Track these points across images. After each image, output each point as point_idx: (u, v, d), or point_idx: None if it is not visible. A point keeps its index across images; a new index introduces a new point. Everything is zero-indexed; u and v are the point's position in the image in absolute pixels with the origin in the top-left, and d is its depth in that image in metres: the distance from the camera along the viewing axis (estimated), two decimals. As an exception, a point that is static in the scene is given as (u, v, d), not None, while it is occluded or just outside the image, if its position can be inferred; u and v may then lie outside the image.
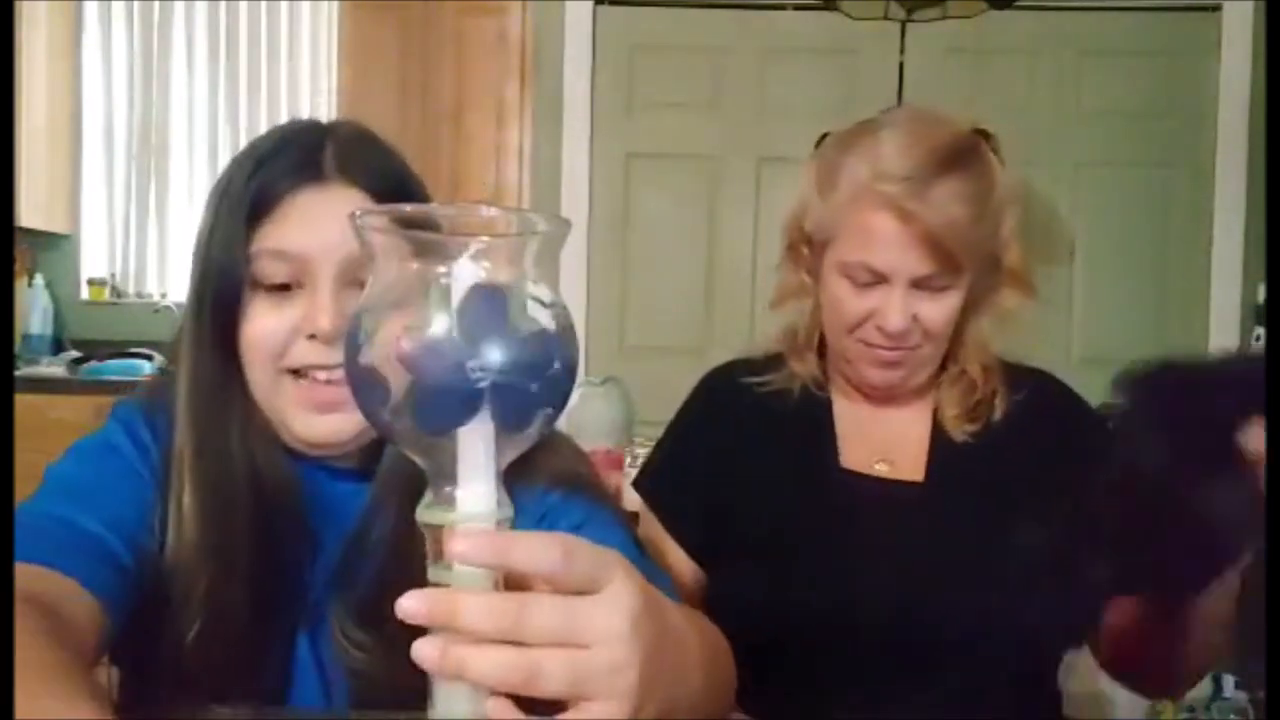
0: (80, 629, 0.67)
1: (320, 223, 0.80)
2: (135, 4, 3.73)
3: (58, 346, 3.58)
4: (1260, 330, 3.00)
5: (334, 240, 0.78)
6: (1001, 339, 1.10)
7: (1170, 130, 3.14)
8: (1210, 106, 3.11)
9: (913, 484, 1.07)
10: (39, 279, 3.59)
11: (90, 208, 3.75)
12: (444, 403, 0.47)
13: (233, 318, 0.81)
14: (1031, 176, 3.02)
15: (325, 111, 3.50)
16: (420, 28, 3.17)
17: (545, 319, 0.48)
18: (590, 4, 3.21)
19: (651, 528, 1.16)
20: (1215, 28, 3.10)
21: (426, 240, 0.48)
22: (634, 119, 3.25)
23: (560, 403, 0.50)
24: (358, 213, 0.49)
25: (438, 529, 0.49)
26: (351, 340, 0.49)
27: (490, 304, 0.47)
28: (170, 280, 3.72)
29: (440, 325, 0.47)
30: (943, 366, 1.09)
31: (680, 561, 1.14)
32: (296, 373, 0.81)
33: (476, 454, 0.48)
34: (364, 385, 0.49)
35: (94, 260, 3.75)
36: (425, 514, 0.49)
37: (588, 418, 2.62)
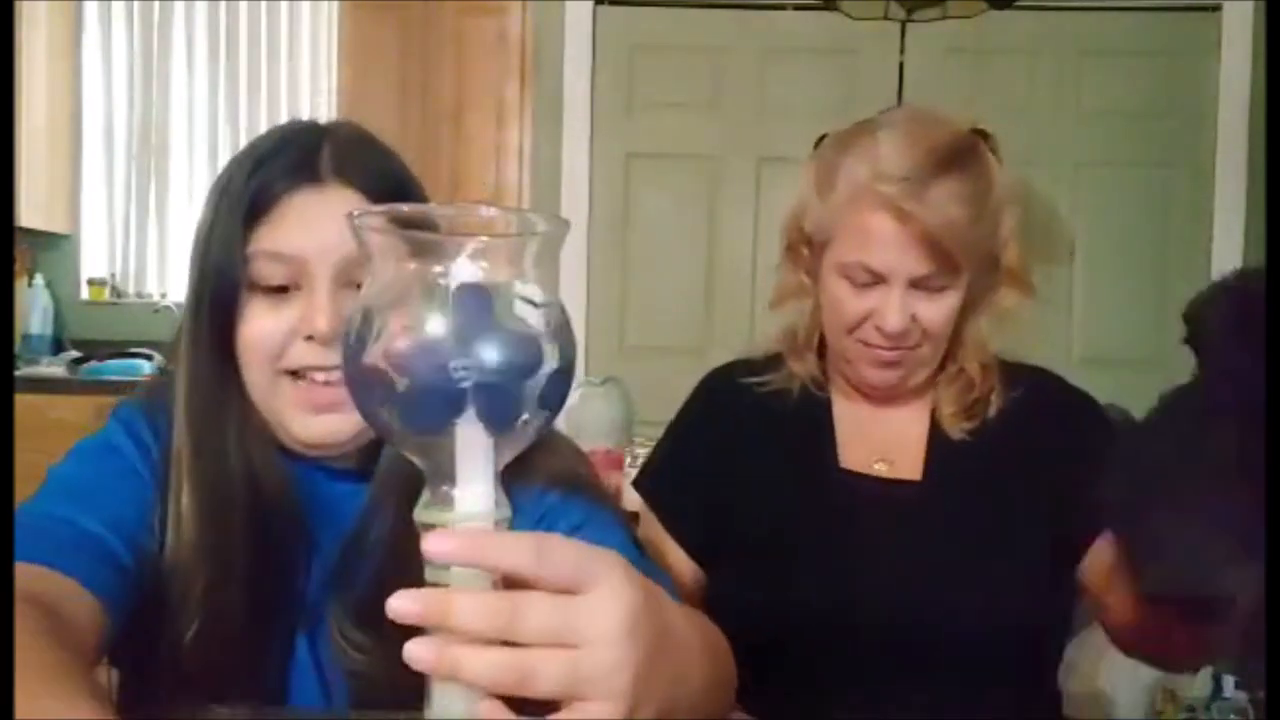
0: (81, 629, 0.67)
1: (317, 224, 0.80)
2: (135, 4, 3.73)
3: (58, 346, 3.58)
4: (1260, 330, 3.00)
5: (331, 241, 0.78)
6: (1000, 338, 1.10)
7: (1170, 130, 3.14)
8: (1210, 106, 3.11)
9: (911, 483, 1.07)
10: (39, 279, 3.60)
11: (90, 208, 3.75)
12: (428, 402, 0.47)
13: (230, 319, 0.81)
14: (1031, 176, 3.02)
15: (325, 111, 3.50)
16: (420, 28, 3.17)
17: (534, 319, 0.48)
18: (590, 4, 3.21)
19: (651, 528, 1.16)
20: (1215, 28, 3.10)
21: (424, 240, 0.48)
22: (634, 119, 3.25)
23: (556, 403, 0.50)
24: (355, 213, 0.49)
25: (434, 529, 0.49)
26: (349, 340, 0.49)
27: (475, 304, 0.47)
28: (170, 280, 3.72)
29: (425, 325, 0.47)
30: (941, 366, 1.09)
31: (680, 561, 1.14)
32: (294, 374, 0.81)
33: (474, 454, 0.48)
34: (361, 385, 0.49)
35: (94, 260, 3.75)
36: (422, 514, 0.49)
37: (588, 418, 2.63)
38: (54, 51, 3.55)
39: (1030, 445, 1.06)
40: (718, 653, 0.69)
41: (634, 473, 1.26)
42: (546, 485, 0.85)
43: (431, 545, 0.46)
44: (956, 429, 1.07)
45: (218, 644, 0.79)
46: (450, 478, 0.49)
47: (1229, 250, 3.10)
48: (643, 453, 1.27)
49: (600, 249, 3.25)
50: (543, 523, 0.84)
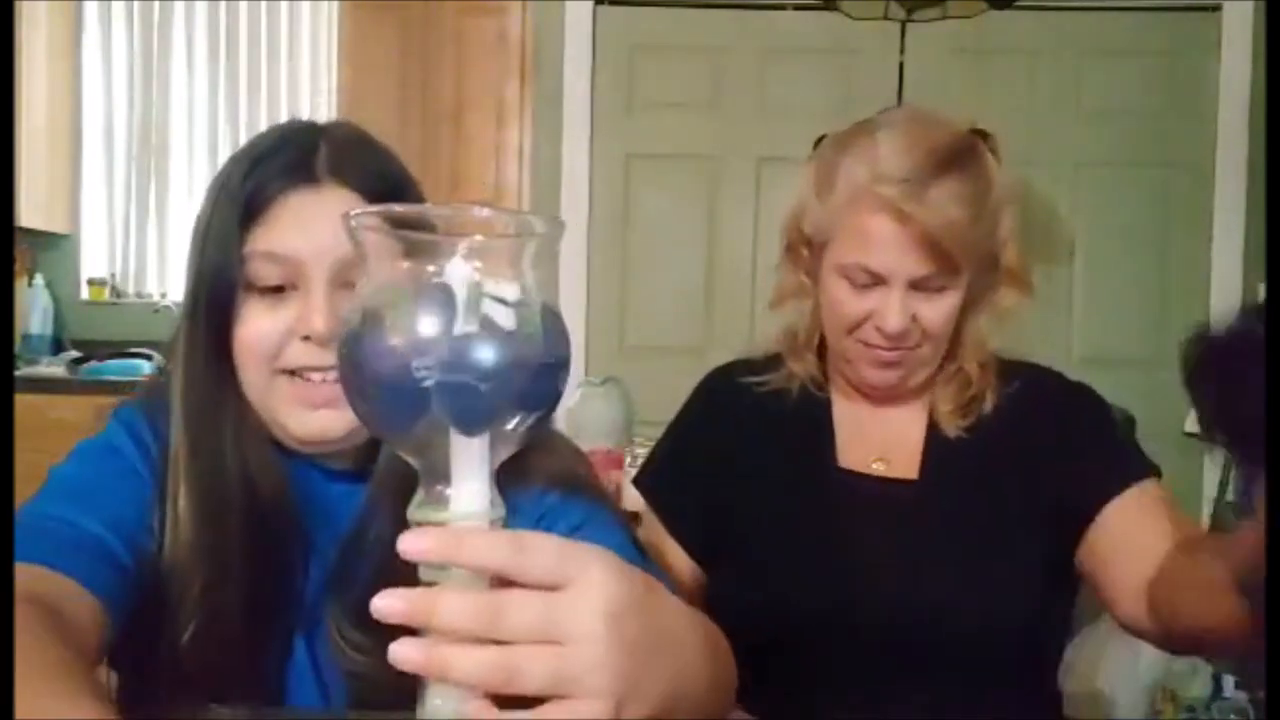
0: (81, 629, 0.67)
1: (313, 224, 0.80)
2: (135, 4, 3.73)
3: (58, 346, 3.58)
4: (1260, 330, 3.00)
5: (327, 242, 0.78)
6: (1000, 337, 1.10)
7: (1170, 130, 3.14)
8: (1210, 106, 3.11)
9: (908, 482, 1.07)
10: (39, 279, 3.60)
11: (90, 208, 3.75)
12: (393, 401, 0.48)
13: (227, 319, 0.81)
14: (1031, 176, 3.02)
15: (325, 111, 3.50)
16: (420, 28, 3.17)
17: (503, 318, 0.47)
18: (590, 4, 3.21)
19: (652, 528, 1.16)
20: (1215, 28, 3.10)
21: (418, 240, 0.49)
22: (634, 119, 3.25)
23: (543, 402, 0.50)
24: (351, 213, 0.49)
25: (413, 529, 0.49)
26: (342, 340, 0.49)
27: (436, 303, 0.47)
28: (170, 280, 3.72)
29: (389, 324, 0.47)
30: (940, 365, 1.09)
31: (680, 561, 1.14)
32: (291, 372, 0.81)
33: (469, 453, 0.48)
34: (350, 385, 0.49)
35: (94, 260, 3.75)
36: (416, 513, 0.49)
37: (588, 418, 2.63)
38: (54, 51, 3.55)
39: (1027, 438, 1.06)
40: (719, 652, 0.69)
41: (634, 473, 1.26)
42: (546, 486, 0.85)
43: (407, 544, 0.46)
44: (953, 427, 1.07)
45: (216, 644, 0.79)
46: (444, 477, 0.49)
47: (1229, 250, 3.10)
48: (643, 453, 1.27)
49: (600, 249, 3.25)
50: (542, 523, 0.84)
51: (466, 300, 0.47)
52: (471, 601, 0.46)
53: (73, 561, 0.71)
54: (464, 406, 0.47)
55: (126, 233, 3.77)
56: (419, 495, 0.50)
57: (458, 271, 0.47)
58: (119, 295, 3.73)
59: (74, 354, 3.42)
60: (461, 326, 0.47)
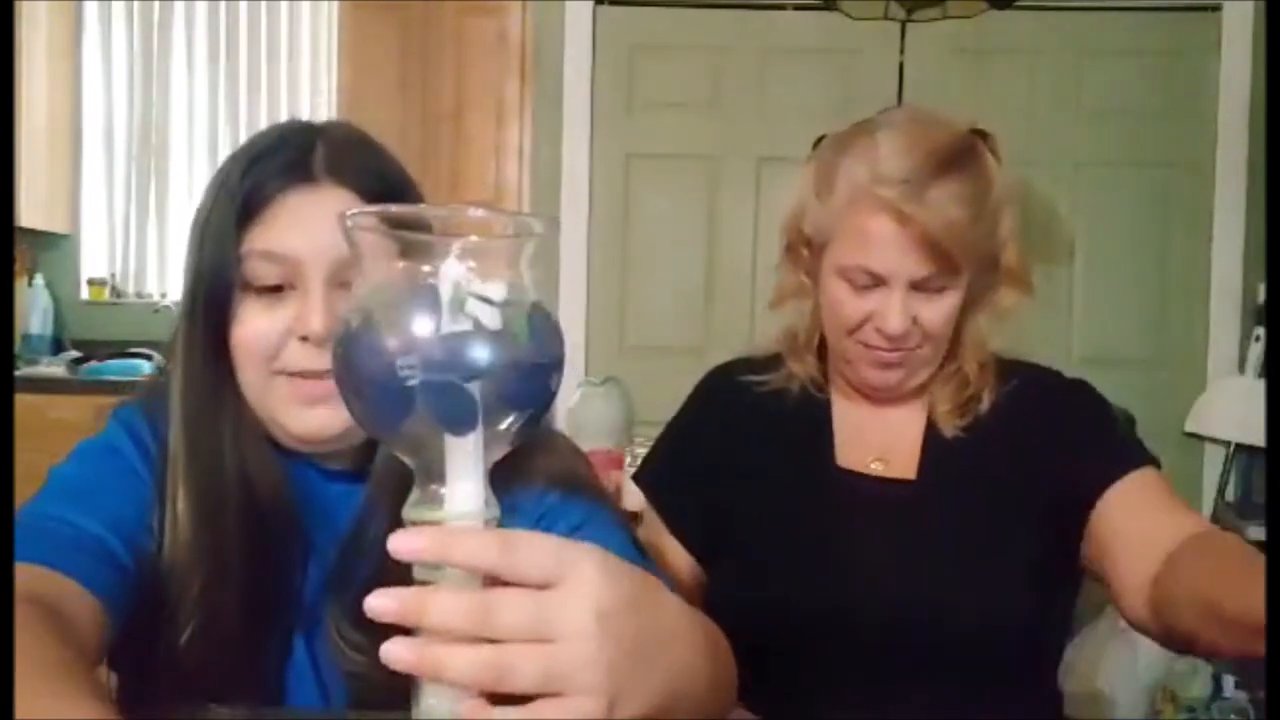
0: (82, 629, 0.67)
1: (310, 224, 0.80)
2: (135, 4, 3.74)
3: (58, 346, 3.58)
4: (1260, 330, 3.00)
5: (325, 242, 0.78)
6: (999, 337, 1.10)
7: (1170, 130, 3.14)
8: (1210, 106, 3.10)
9: (906, 482, 1.07)
10: (39, 279, 3.60)
11: (90, 208, 3.75)
12: (381, 400, 0.48)
13: (225, 319, 0.81)
14: (1031, 176, 3.02)
15: (325, 111, 3.50)
16: (420, 28, 3.17)
17: (488, 318, 0.47)
18: (590, 4, 3.21)
19: (652, 528, 1.16)
20: (1215, 28, 3.10)
21: (413, 240, 0.49)
22: (634, 119, 3.25)
23: (534, 402, 0.50)
24: (347, 213, 0.49)
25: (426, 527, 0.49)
26: (338, 340, 0.49)
27: (423, 302, 0.47)
28: (170, 280, 3.73)
29: (379, 324, 0.47)
30: (940, 365, 1.09)
31: (680, 560, 1.14)
32: (289, 374, 0.81)
33: (462, 453, 0.48)
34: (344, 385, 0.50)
35: (94, 260, 3.75)
36: (411, 512, 0.49)
37: (588, 418, 2.63)
38: (54, 51, 3.55)
39: (1025, 437, 1.06)
40: (719, 652, 0.69)
41: (634, 472, 1.26)
42: (546, 486, 0.85)
43: (397, 544, 0.46)
44: (951, 426, 1.07)
45: (215, 644, 0.79)
46: (439, 476, 0.49)
47: (1229, 250, 3.10)
48: (643, 453, 1.27)
49: (600, 249, 3.25)
50: (543, 523, 0.83)
51: (451, 300, 0.47)
52: (463, 601, 0.46)
53: (73, 561, 0.71)
54: (449, 406, 0.47)
55: (126, 233, 3.77)
56: (414, 494, 0.50)
57: (451, 272, 0.47)
58: (119, 295, 3.73)
59: (74, 354, 3.42)
60: (447, 326, 0.47)
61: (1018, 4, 2.53)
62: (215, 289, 0.81)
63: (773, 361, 1.16)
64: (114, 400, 0.89)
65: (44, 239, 3.60)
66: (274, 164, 0.82)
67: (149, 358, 3.21)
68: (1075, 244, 3.15)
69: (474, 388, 0.47)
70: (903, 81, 3.16)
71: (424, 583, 0.48)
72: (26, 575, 0.67)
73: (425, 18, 3.16)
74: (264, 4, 3.71)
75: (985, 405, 1.07)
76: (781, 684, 1.01)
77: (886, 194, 0.98)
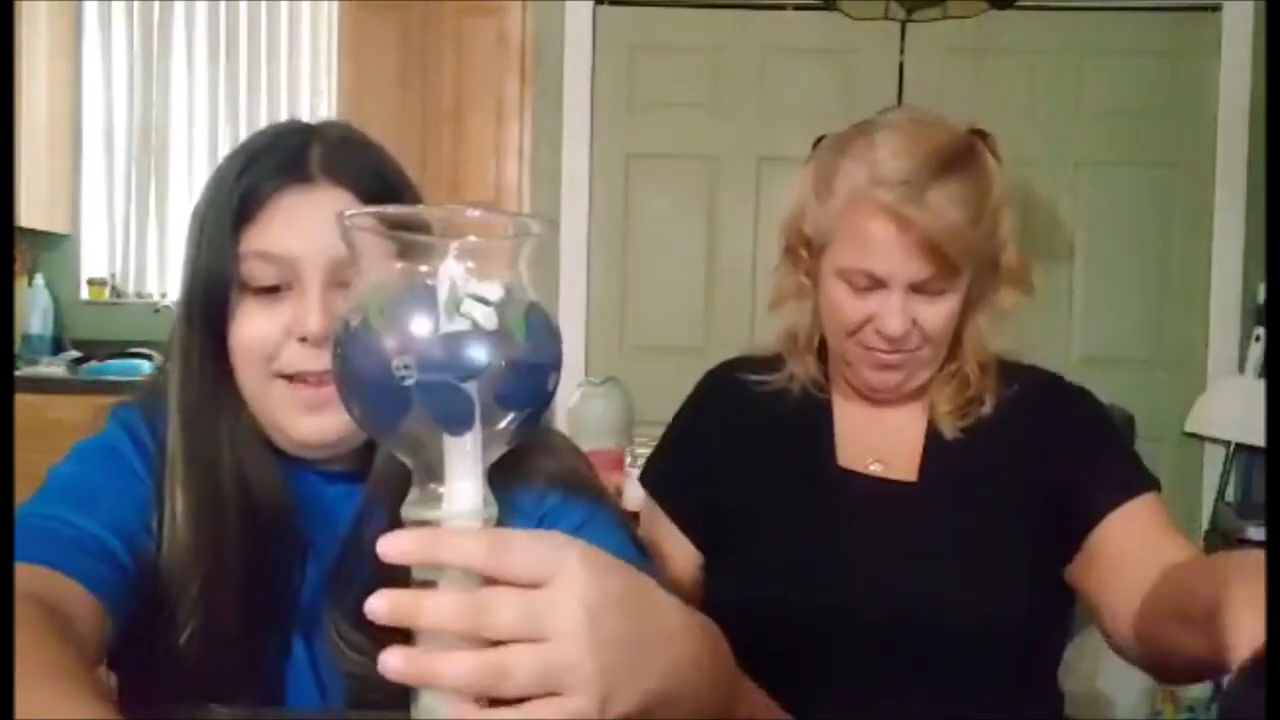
0: (82, 629, 0.67)
1: (307, 224, 0.80)
2: (135, 4, 3.73)
3: (58, 346, 3.58)
4: (1260, 330, 3.00)
5: (322, 242, 0.78)
6: (999, 338, 1.10)
7: (1170, 130, 3.14)
8: (1210, 106, 3.11)
9: (906, 483, 1.07)
10: (39, 279, 3.60)
11: (90, 208, 3.75)
12: (378, 400, 0.48)
13: (222, 320, 0.81)
14: (1031, 176, 3.03)
15: (326, 111, 3.50)
16: (420, 28, 3.17)
17: (483, 318, 0.47)
18: (590, 4, 3.21)
19: (651, 527, 1.16)
20: (1215, 28, 3.10)
21: (410, 241, 0.49)
22: (634, 119, 3.25)
23: (531, 402, 0.50)
24: (345, 213, 0.49)
25: (422, 527, 0.49)
26: (335, 341, 0.49)
27: (419, 302, 0.47)
28: (170, 280, 3.72)
29: (375, 324, 0.47)
30: (940, 366, 1.09)
31: (681, 560, 1.14)
32: (288, 377, 0.81)
33: (460, 452, 0.48)
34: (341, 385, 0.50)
35: (94, 260, 3.75)
36: (410, 512, 0.49)
37: (588, 418, 2.63)
38: (54, 51, 3.55)
39: (1026, 441, 1.06)
40: (718, 651, 0.69)
41: (634, 473, 1.26)
42: (547, 486, 0.85)
43: (386, 545, 0.46)
44: (951, 427, 1.07)
45: (214, 645, 0.79)
46: (437, 476, 0.49)
47: (1229, 250, 3.10)
48: (643, 453, 1.27)
49: (600, 249, 3.25)
50: (543, 524, 0.84)
51: (446, 300, 0.47)
52: (456, 601, 0.46)
53: (73, 562, 0.71)
54: (445, 405, 0.47)
55: (126, 233, 3.77)
56: (412, 494, 0.50)
57: (449, 272, 0.47)
58: (119, 295, 3.73)
59: (74, 354, 3.42)
60: (444, 326, 0.47)
61: (1018, 4, 2.53)
62: (213, 290, 0.80)
63: (773, 361, 1.16)
64: (114, 400, 0.89)
65: (44, 239, 3.60)
66: (269, 164, 0.81)
67: (149, 358, 3.21)
68: (1075, 244, 3.16)
69: (471, 387, 0.47)
70: (903, 81, 3.16)
71: (424, 583, 0.48)
72: (26, 575, 0.67)
73: (425, 18, 3.16)
74: (264, 4, 3.70)
75: (987, 408, 1.07)
76: (781, 684, 1.01)
77: (886, 196, 0.98)
